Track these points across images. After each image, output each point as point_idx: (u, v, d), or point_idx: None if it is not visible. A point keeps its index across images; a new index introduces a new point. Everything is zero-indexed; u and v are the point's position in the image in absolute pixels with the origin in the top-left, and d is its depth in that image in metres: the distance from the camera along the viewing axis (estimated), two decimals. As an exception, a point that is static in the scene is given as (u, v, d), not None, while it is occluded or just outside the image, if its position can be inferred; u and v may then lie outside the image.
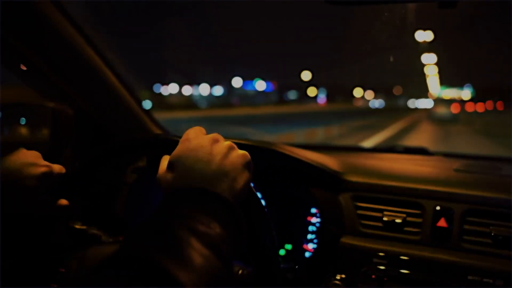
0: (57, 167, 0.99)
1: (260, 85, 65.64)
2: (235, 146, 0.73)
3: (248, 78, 68.05)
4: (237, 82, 63.95)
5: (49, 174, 0.96)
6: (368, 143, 12.86)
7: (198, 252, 0.50)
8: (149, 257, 0.47)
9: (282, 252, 1.29)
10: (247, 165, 0.71)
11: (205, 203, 0.61)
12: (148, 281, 0.44)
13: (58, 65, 1.29)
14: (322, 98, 64.54)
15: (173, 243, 0.50)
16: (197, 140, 0.71)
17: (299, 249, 1.28)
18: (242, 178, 0.70)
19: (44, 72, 1.29)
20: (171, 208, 0.59)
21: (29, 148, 1.51)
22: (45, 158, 1.42)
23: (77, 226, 1.06)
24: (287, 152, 1.22)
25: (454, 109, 32.54)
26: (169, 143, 0.93)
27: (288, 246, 1.29)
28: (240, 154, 0.71)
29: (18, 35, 1.13)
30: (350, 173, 1.26)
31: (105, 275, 0.45)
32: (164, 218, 0.57)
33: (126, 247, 0.51)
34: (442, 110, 30.65)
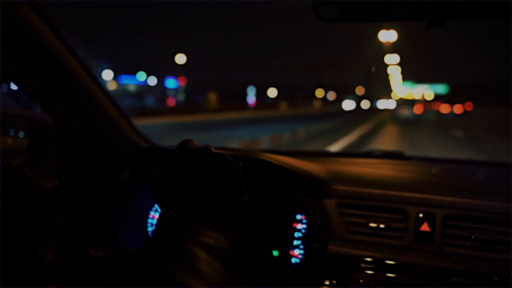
0: (45, 182, 0.98)
1: (151, 80, 53.18)
2: (227, 156, 0.74)
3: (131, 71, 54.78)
4: (107, 75, 42.72)
5: (36, 188, 0.95)
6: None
7: (209, 265, 0.51)
8: (165, 274, 0.47)
9: None
10: (241, 176, 0.73)
11: (208, 216, 0.62)
12: None
13: (36, 72, 1.25)
14: (251, 98, 55.78)
15: (185, 258, 0.51)
16: (190, 152, 0.72)
17: (285, 255, 1.30)
18: (238, 189, 0.71)
19: (22, 80, 1.25)
20: (176, 223, 0.60)
21: (7, 157, 1.47)
22: (24, 168, 1.40)
23: (64, 240, 1.05)
24: (273, 161, 1.23)
25: (417, 110, 33.19)
26: (158, 155, 0.93)
27: (275, 253, 1.31)
28: (234, 164, 0.72)
29: None
30: (335, 181, 1.29)
31: None
32: (172, 233, 0.57)
33: (139, 265, 0.51)
34: (405, 111, 31.30)
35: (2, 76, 1.27)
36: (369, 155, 1.98)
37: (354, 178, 1.34)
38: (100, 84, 1.46)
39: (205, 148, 0.74)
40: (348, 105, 52.54)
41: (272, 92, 68.16)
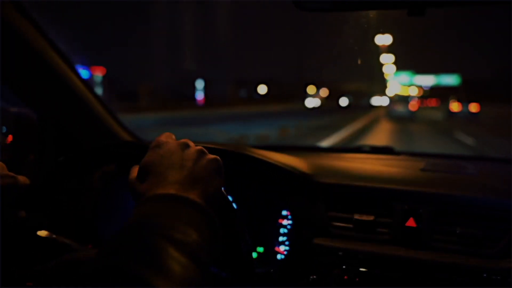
0: (22, 178, 0.95)
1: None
2: (206, 150, 0.73)
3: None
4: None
5: (14, 186, 0.92)
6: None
7: (176, 261, 0.50)
8: (127, 268, 0.46)
9: (254, 255, 1.29)
10: (218, 170, 0.71)
11: (180, 210, 0.60)
12: None
13: (19, 68, 1.25)
14: (200, 95, 49.92)
15: (151, 253, 0.50)
16: (167, 146, 0.71)
17: (271, 251, 1.28)
18: (214, 183, 0.69)
19: (5, 75, 1.24)
20: (145, 217, 0.58)
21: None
22: (7, 164, 1.37)
23: (44, 235, 1.03)
24: (257, 156, 1.22)
25: (412, 106, 32.52)
26: (139, 149, 0.92)
27: (260, 249, 1.29)
28: (211, 158, 0.71)
29: None
30: (320, 175, 1.27)
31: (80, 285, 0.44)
32: (140, 227, 0.55)
33: (102, 259, 0.50)
34: (399, 108, 30.72)
35: None
36: (359, 150, 1.97)
37: (340, 173, 1.33)
38: (82, 79, 1.45)
39: (181, 142, 0.72)
40: (311, 102, 51.17)
41: (262, 89, 66.28)
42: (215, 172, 0.70)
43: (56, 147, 1.48)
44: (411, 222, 1.12)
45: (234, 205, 1.33)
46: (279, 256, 1.26)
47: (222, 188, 0.74)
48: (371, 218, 1.16)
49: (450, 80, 62.99)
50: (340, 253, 1.14)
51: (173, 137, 0.75)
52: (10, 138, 1.48)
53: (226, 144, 1.18)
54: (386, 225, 1.15)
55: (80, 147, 1.45)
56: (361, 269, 1.11)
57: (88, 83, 1.49)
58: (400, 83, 62.74)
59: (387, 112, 32.58)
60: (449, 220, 1.11)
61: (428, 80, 65.26)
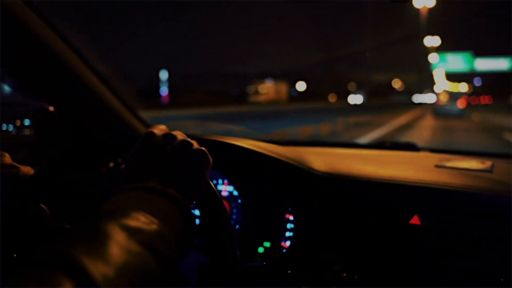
0: (25, 169, 0.99)
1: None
2: (193, 142, 0.73)
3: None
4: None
5: (17, 176, 0.96)
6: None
7: (123, 248, 0.49)
8: (63, 253, 0.45)
9: (260, 249, 1.29)
10: (203, 161, 0.71)
11: (148, 200, 0.60)
12: (59, 277, 0.42)
13: (34, 63, 1.30)
14: (164, 91, 44.94)
15: (95, 239, 0.49)
16: (154, 137, 0.71)
17: (277, 247, 1.27)
18: (197, 174, 0.69)
19: (21, 73, 1.29)
20: (110, 206, 0.58)
21: (14, 147, 1.51)
22: (29, 158, 1.43)
23: (53, 225, 1.06)
24: (256, 149, 1.19)
25: (461, 104, 31.01)
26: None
27: (267, 244, 1.29)
28: (195, 150, 0.71)
29: None
30: (326, 170, 1.25)
31: (18, 272, 0.43)
32: (97, 215, 0.55)
33: (46, 244, 0.49)
34: (447, 105, 29.31)
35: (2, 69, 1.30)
36: (380, 146, 1.92)
37: (348, 169, 1.29)
38: (99, 74, 1.49)
39: (167, 134, 0.73)
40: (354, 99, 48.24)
41: (300, 86, 65.44)
42: (199, 164, 0.70)
43: (74, 140, 1.52)
44: (415, 220, 1.08)
45: (239, 200, 1.34)
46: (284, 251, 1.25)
47: (213, 181, 0.74)
48: (375, 214, 1.13)
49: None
50: (340, 249, 1.11)
51: (165, 129, 0.76)
52: (32, 131, 1.54)
53: (226, 137, 1.17)
54: (389, 222, 1.12)
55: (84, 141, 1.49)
56: (360, 266, 1.08)
57: (106, 79, 1.53)
58: (452, 70, 48.88)
59: (433, 110, 31.30)
60: (456, 218, 1.06)
61: (496, 64, 48.48)
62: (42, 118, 1.55)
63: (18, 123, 1.55)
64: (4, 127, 1.48)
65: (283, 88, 56.56)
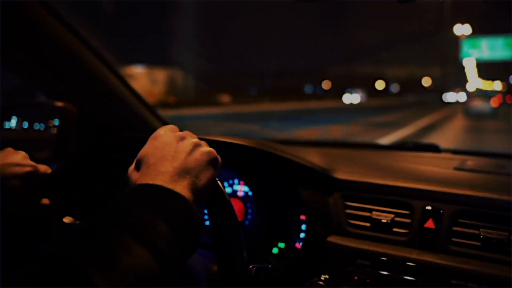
0: (43, 167, 1.01)
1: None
2: (202, 143, 0.74)
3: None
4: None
5: (34, 174, 0.98)
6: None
7: (123, 248, 0.50)
8: (66, 255, 0.47)
9: (275, 250, 1.29)
10: (211, 162, 0.72)
11: (155, 200, 0.61)
12: (62, 280, 0.43)
13: (53, 66, 1.32)
14: None
15: (98, 241, 0.50)
16: (164, 137, 0.72)
17: (292, 247, 1.27)
18: (206, 175, 0.70)
19: (41, 74, 1.32)
20: (118, 205, 0.59)
21: (38, 146, 1.55)
22: (52, 157, 1.46)
23: (69, 222, 1.08)
24: (270, 150, 1.19)
25: (494, 102, 29.68)
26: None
27: (281, 245, 1.28)
28: (205, 151, 0.72)
29: (9, 39, 1.16)
30: (340, 171, 1.24)
31: (21, 273, 0.45)
32: (101, 216, 0.56)
33: (52, 245, 0.51)
34: (479, 104, 27.96)
35: (21, 70, 1.33)
36: (402, 147, 1.89)
37: (362, 170, 1.28)
38: (118, 74, 1.51)
39: (178, 134, 0.74)
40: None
41: (326, 84, 64.00)
42: (208, 165, 0.71)
43: (93, 140, 1.55)
44: (430, 224, 1.06)
45: (254, 200, 1.34)
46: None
47: (229, 181, 0.75)
48: (389, 218, 1.11)
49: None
50: (354, 252, 1.10)
51: (176, 129, 0.77)
52: (56, 130, 1.58)
53: (238, 138, 1.17)
54: (403, 226, 1.10)
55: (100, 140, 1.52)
56: (372, 270, 1.07)
57: (124, 79, 1.55)
58: (487, 59, 37.48)
59: (464, 109, 30.09)
60: (472, 222, 1.04)
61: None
62: (64, 118, 1.59)
63: (51, 123, 1.59)
64: (36, 126, 1.52)
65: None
